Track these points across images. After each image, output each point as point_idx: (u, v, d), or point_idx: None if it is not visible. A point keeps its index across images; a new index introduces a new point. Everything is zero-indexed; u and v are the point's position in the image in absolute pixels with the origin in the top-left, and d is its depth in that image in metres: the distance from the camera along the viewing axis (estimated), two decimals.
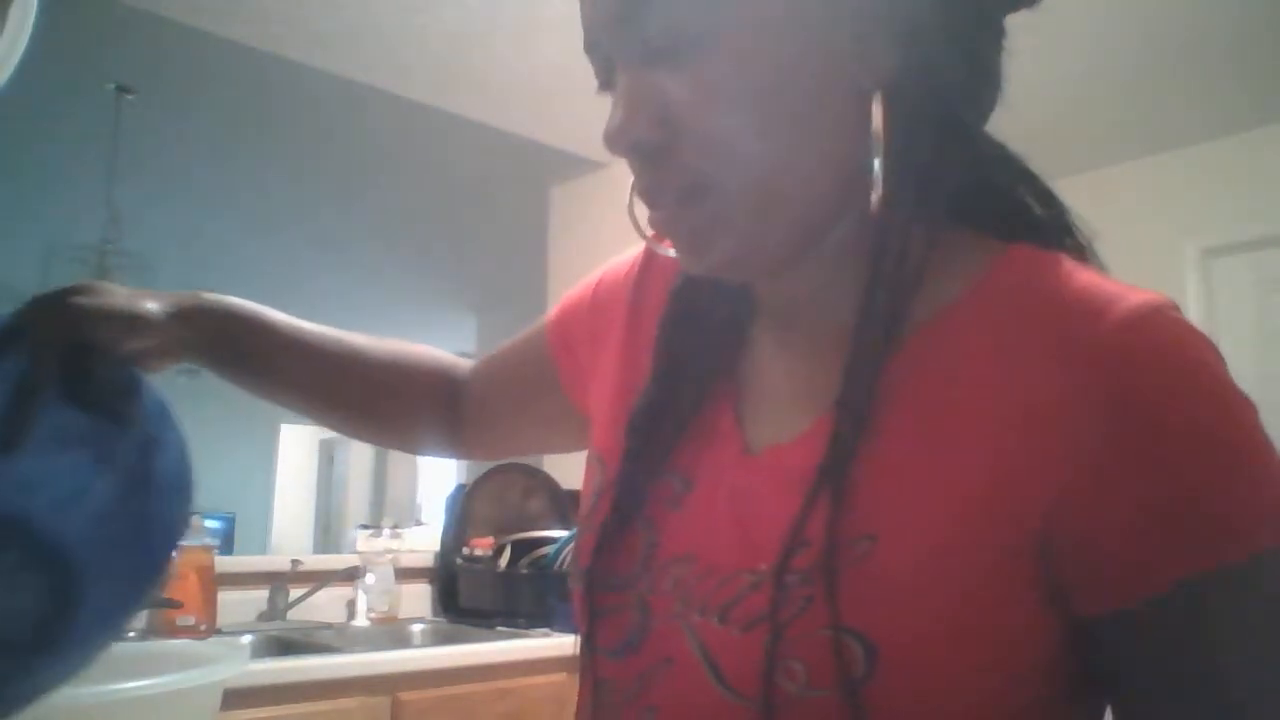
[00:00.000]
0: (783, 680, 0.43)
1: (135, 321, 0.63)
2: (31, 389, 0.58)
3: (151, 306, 0.65)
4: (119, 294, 0.64)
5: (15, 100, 2.58)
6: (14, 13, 0.66)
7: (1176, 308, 0.44)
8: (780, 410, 0.52)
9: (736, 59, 0.45)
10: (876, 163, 0.46)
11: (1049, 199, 0.52)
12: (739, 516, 0.49)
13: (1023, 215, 0.51)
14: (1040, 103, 2.80)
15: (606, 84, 0.50)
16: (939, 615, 0.42)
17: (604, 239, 3.52)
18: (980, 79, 0.50)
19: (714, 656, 0.47)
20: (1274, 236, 3.04)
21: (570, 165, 3.43)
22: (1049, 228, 0.51)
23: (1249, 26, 2.51)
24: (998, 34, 0.50)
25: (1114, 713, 0.45)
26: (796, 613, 0.44)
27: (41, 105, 3.31)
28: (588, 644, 0.54)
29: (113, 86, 3.29)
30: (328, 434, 9.29)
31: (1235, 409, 0.42)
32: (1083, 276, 0.46)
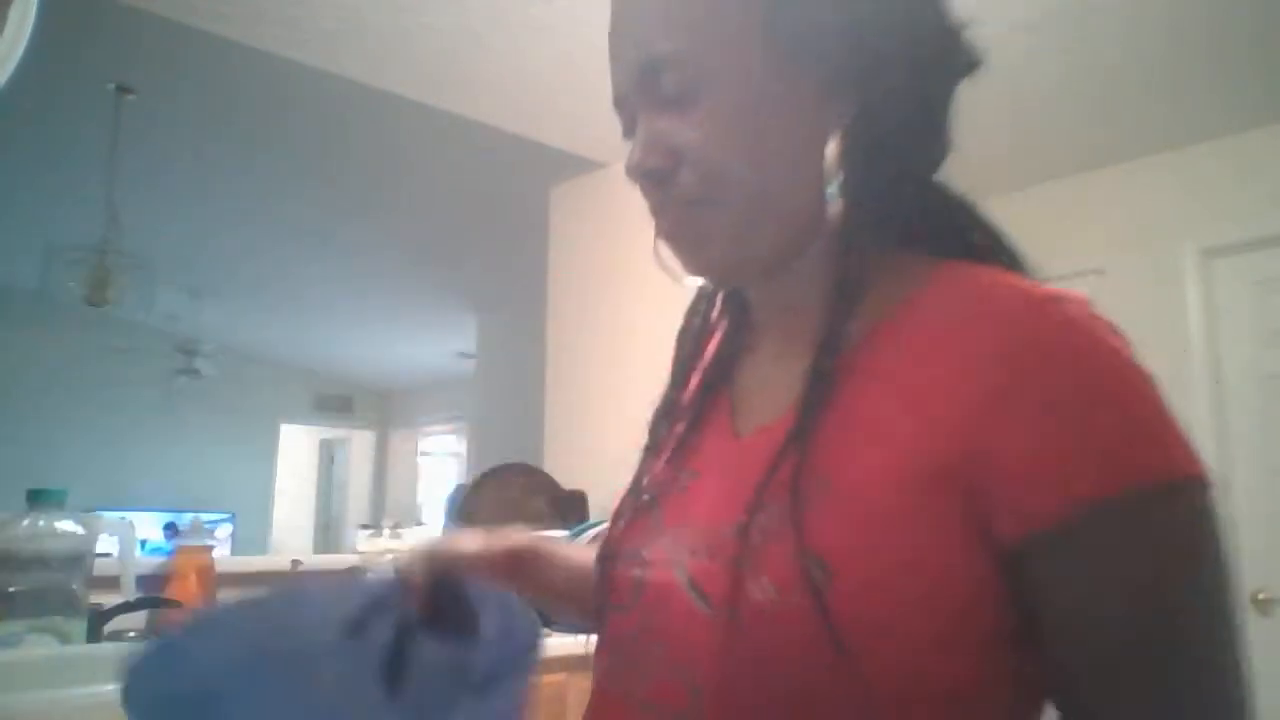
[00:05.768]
0: (754, 591, 0.52)
1: (486, 564, 0.72)
2: (406, 627, 0.64)
3: (495, 548, 0.73)
4: (471, 540, 0.72)
5: (15, 100, 2.58)
6: (14, 13, 0.66)
7: (1088, 302, 0.53)
8: (766, 400, 0.64)
9: (728, 104, 0.58)
10: (830, 188, 0.58)
11: (984, 225, 0.64)
12: (730, 486, 0.59)
13: (961, 240, 0.63)
14: (1040, 105, 2.80)
15: (629, 131, 0.63)
16: (880, 542, 0.50)
17: (604, 239, 3.53)
18: (930, 132, 0.62)
19: (698, 583, 0.56)
20: (1274, 236, 3.04)
21: (570, 165, 3.43)
22: (983, 248, 0.62)
23: (1247, 27, 2.51)
24: (947, 95, 0.62)
25: (1045, 658, 0.51)
26: (765, 541, 0.53)
27: (41, 105, 3.31)
28: (603, 609, 0.65)
29: (113, 86, 3.30)
30: (328, 434, 9.30)
31: (1129, 367, 0.51)
32: (1006, 277, 0.57)
